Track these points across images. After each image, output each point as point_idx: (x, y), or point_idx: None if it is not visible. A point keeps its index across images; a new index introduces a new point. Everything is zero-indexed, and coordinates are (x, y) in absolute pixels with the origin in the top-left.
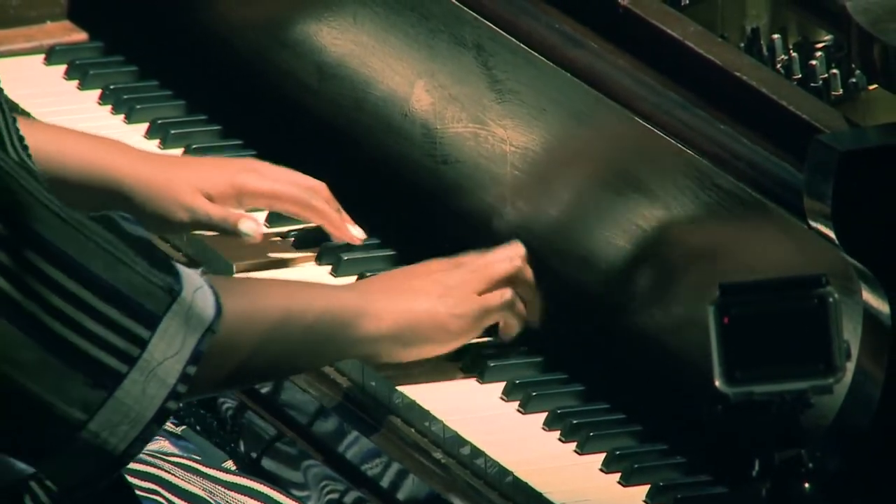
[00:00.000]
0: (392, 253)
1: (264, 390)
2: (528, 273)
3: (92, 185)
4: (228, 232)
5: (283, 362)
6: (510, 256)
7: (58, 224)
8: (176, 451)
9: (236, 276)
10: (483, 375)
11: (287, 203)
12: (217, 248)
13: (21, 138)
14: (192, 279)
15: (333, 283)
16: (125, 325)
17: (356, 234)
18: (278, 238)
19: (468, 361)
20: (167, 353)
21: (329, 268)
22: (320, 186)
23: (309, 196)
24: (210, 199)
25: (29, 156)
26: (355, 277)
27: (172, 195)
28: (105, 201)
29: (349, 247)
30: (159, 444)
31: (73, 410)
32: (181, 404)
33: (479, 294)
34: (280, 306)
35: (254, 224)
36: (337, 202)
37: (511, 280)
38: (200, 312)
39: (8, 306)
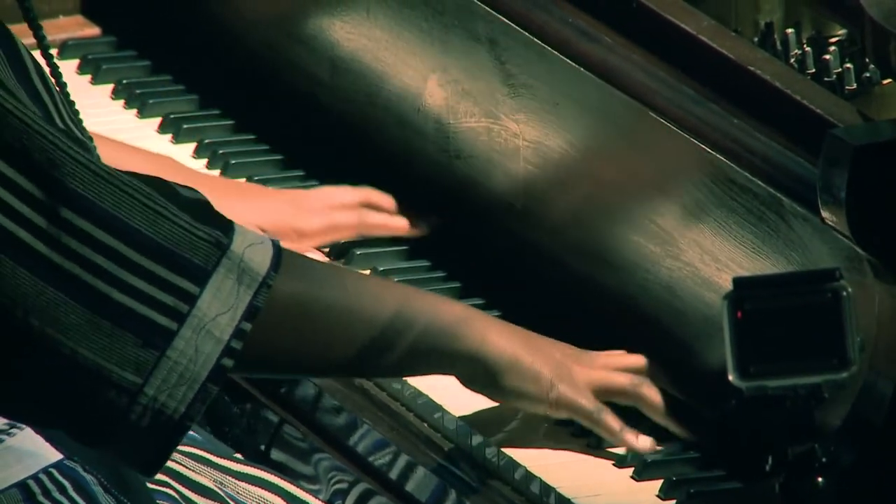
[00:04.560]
0: (405, 248)
1: (273, 382)
2: (651, 396)
3: None
4: None
5: (361, 357)
6: (636, 378)
7: (91, 178)
8: (186, 440)
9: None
10: None
11: (345, 232)
12: None
13: (76, 113)
14: (247, 235)
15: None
16: (171, 281)
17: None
18: None
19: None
20: (220, 309)
21: (342, 262)
22: (367, 194)
23: (363, 217)
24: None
25: (84, 130)
26: (368, 272)
27: None
28: None
29: (360, 242)
30: None
31: (127, 373)
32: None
33: (583, 390)
34: (367, 301)
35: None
36: (387, 195)
37: (626, 394)
38: (255, 266)
39: (48, 269)
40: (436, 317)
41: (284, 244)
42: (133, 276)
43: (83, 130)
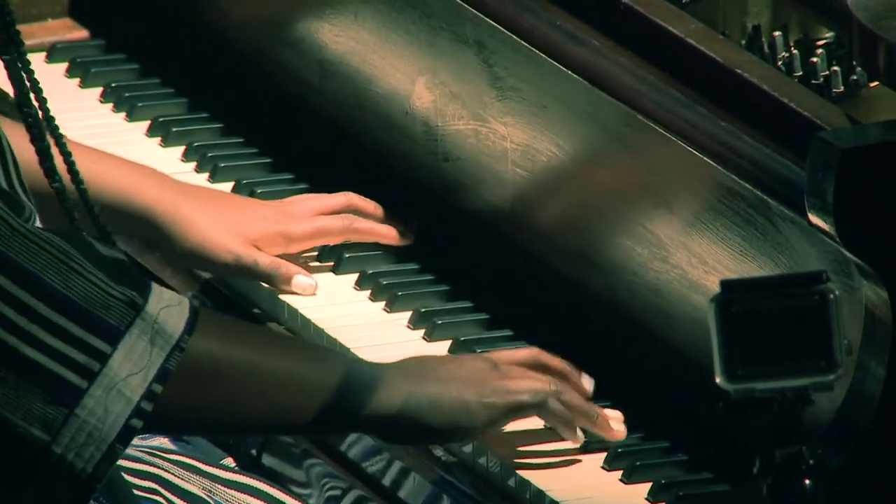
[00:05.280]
0: (393, 251)
1: None
2: (557, 362)
3: (130, 215)
4: (274, 281)
5: (282, 419)
6: (530, 350)
7: (9, 232)
8: (175, 448)
9: (254, 325)
10: None
11: (333, 237)
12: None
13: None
14: (164, 296)
15: (333, 278)
16: (83, 339)
17: (391, 233)
18: None
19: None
20: (132, 370)
21: (331, 264)
22: (349, 200)
23: (348, 224)
24: (256, 247)
25: (26, 191)
26: (356, 275)
27: (216, 238)
28: (146, 233)
29: (349, 246)
30: (158, 441)
31: (34, 429)
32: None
33: (510, 388)
34: (279, 364)
35: (310, 281)
36: (372, 201)
37: (540, 366)
38: (169, 329)
39: None
40: (347, 378)
41: (273, 250)
42: (43, 332)
43: (28, 194)
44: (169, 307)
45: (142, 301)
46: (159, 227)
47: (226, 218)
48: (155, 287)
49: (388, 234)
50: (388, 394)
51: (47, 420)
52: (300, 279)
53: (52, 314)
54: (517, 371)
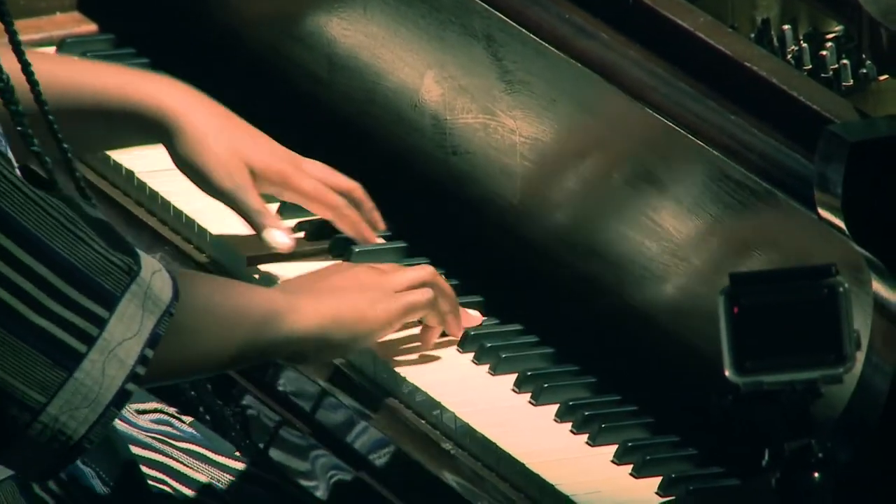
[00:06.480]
0: (403, 245)
1: (271, 379)
2: (444, 284)
3: (139, 118)
4: (249, 221)
5: (228, 356)
6: (422, 267)
7: (20, 198)
8: (184, 436)
9: (189, 272)
10: (495, 367)
11: (322, 208)
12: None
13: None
14: (150, 262)
15: None
16: (83, 304)
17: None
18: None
19: (479, 352)
20: (126, 334)
21: (340, 261)
22: (356, 188)
23: (344, 205)
24: (252, 174)
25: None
26: None
27: (220, 158)
28: (150, 138)
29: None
30: (168, 428)
31: (33, 392)
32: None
33: (399, 290)
34: (234, 303)
35: (287, 239)
36: (371, 201)
37: (427, 285)
38: (158, 294)
39: None
40: (270, 310)
41: (266, 187)
42: (48, 298)
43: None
44: (156, 273)
45: (137, 267)
46: (167, 131)
47: (235, 139)
48: (141, 252)
49: (369, 239)
50: (299, 317)
51: (46, 383)
52: (277, 234)
53: (57, 281)
54: (398, 275)
